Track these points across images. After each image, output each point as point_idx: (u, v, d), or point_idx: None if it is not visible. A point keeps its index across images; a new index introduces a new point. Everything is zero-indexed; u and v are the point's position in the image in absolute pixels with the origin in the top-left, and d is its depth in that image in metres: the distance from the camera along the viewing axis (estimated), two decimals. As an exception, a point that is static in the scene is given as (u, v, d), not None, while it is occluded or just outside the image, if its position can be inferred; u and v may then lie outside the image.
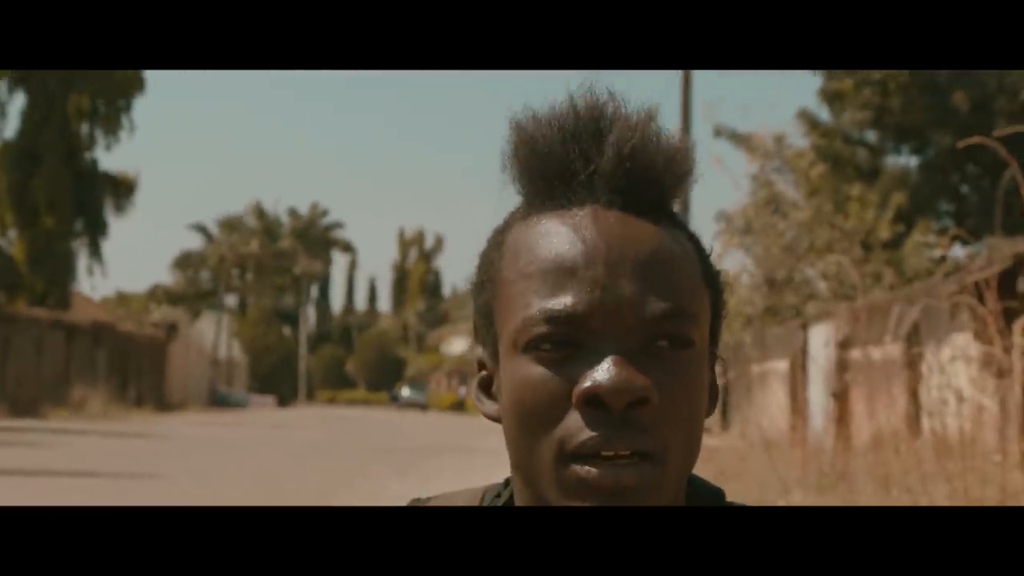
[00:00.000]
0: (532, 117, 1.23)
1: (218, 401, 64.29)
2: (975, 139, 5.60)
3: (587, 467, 1.13)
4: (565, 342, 1.16)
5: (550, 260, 1.17)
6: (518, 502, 1.25)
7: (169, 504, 12.63)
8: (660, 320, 1.15)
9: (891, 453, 7.47)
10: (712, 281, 1.23)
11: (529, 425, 1.17)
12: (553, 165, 1.21)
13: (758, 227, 27.39)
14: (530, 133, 1.22)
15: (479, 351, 1.28)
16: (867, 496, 7.82)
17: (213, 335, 72.64)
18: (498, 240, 1.25)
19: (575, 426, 1.14)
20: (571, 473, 1.14)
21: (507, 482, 1.33)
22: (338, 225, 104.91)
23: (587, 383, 1.13)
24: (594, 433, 1.13)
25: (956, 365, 8.07)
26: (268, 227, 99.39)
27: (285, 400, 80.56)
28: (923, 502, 6.31)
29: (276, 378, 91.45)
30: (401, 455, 24.00)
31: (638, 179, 1.19)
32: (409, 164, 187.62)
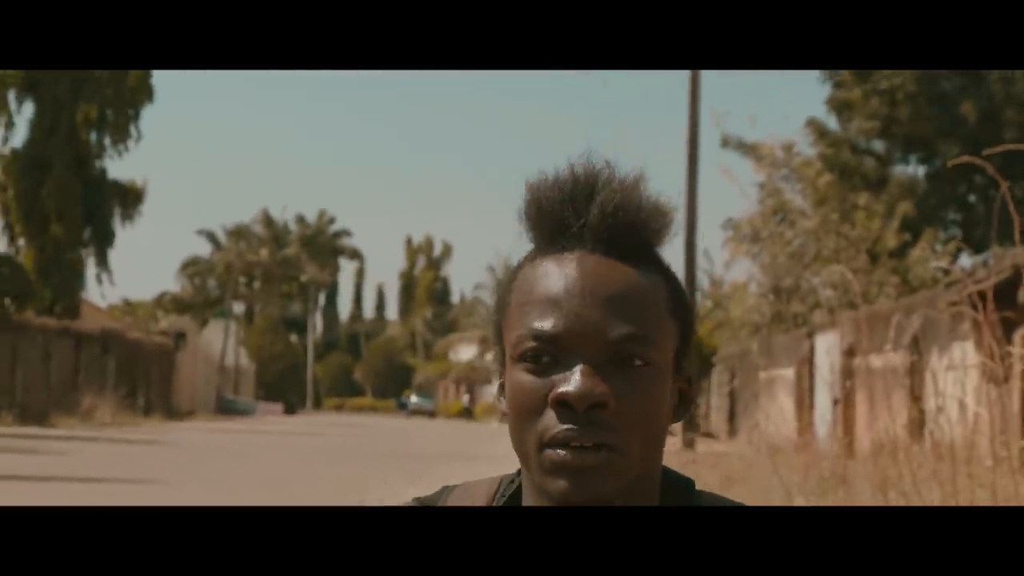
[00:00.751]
0: (541, 180, 1.55)
1: (226, 409, 64.44)
2: (966, 158, 5.72)
3: (559, 451, 1.46)
4: (546, 356, 1.49)
5: (542, 293, 1.51)
6: (524, 485, 1.58)
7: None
8: (623, 341, 1.48)
9: (890, 459, 7.60)
10: (681, 314, 1.54)
11: (520, 419, 1.50)
12: (554, 220, 1.54)
13: (765, 235, 27.49)
14: (537, 195, 1.55)
15: (496, 362, 1.61)
16: (864, 499, 7.95)
17: (220, 343, 72.82)
18: (511, 276, 1.59)
19: (551, 422, 1.47)
20: (547, 457, 1.47)
21: (520, 470, 1.61)
22: (345, 233, 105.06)
23: (559, 389, 1.47)
24: (564, 427, 1.46)
25: (957, 374, 8.17)
26: (275, 235, 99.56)
27: (292, 408, 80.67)
28: (916, 504, 6.44)
29: (283, 386, 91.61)
30: (411, 461, 24.11)
31: (619, 231, 1.52)
32: (417, 171, 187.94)
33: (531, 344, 1.49)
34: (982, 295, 6.94)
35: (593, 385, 1.45)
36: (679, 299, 1.54)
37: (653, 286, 1.52)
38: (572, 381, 1.46)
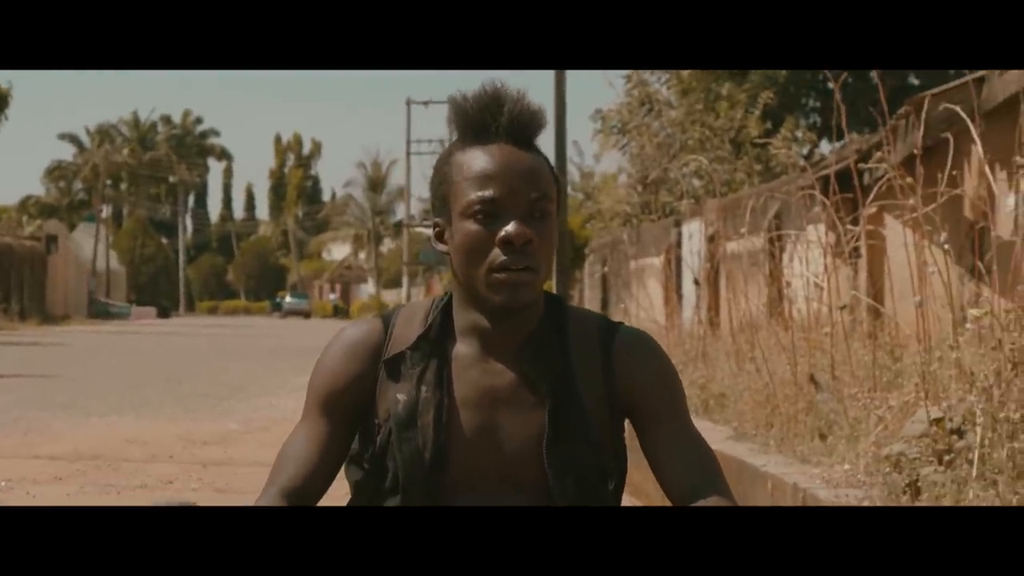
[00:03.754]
0: (463, 96, 2.28)
1: (99, 313, 63.97)
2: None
3: (503, 274, 2.21)
4: (489, 213, 2.21)
5: (479, 170, 2.24)
6: (456, 304, 2.30)
7: (86, 403, 13.15)
8: (536, 201, 2.23)
9: (748, 335, 8.26)
10: (557, 181, 2.30)
11: (470, 255, 2.23)
12: (477, 123, 2.26)
13: (632, 127, 27.92)
14: (463, 105, 2.27)
15: (434, 217, 2.31)
16: (722, 372, 8.66)
17: (91, 247, 72.04)
18: (447, 159, 2.30)
19: (497, 256, 2.21)
20: (494, 278, 2.21)
21: (447, 293, 2.35)
22: (213, 132, 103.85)
23: (503, 232, 2.20)
24: (506, 258, 2.20)
25: (812, 253, 8.79)
26: (141, 136, 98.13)
27: (166, 311, 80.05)
28: (764, 372, 7.12)
29: (156, 289, 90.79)
30: (293, 356, 24.56)
31: (520, 128, 2.26)
32: (284, 71, 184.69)
33: (478, 206, 2.21)
34: (827, 179, 7.60)
35: (525, 230, 2.20)
36: (554, 172, 2.31)
37: (543, 164, 2.28)
38: (512, 228, 2.19)
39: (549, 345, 2.28)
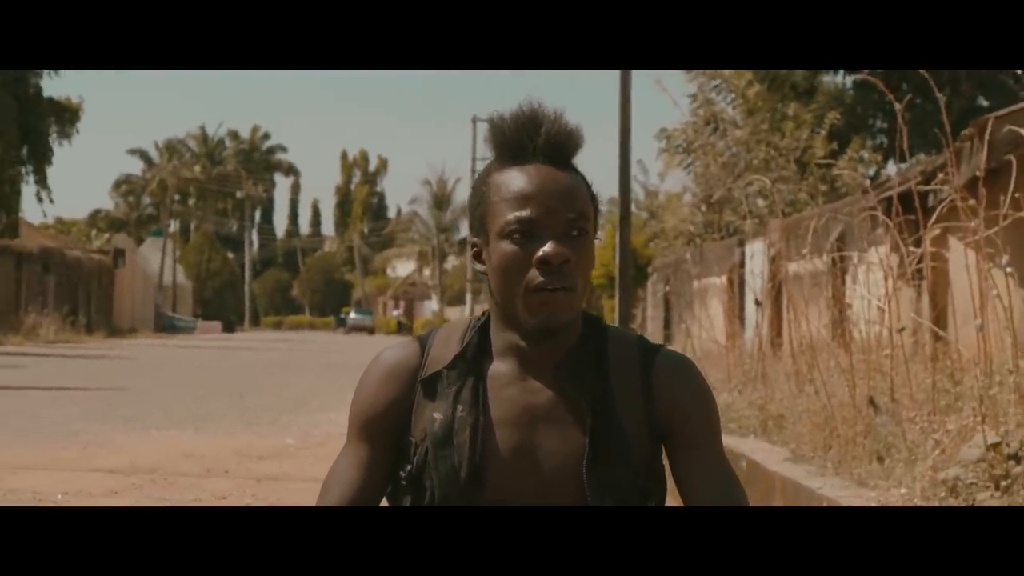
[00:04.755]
0: (501, 115, 2.28)
1: (166, 327, 64.48)
2: (865, 75, 6.22)
3: (541, 294, 2.21)
4: (526, 233, 2.21)
5: (516, 191, 2.24)
6: (493, 323, 2.30)
7: (159, 410, 13.26)
8: (573, 221, 2.23)
9: (809, 356, 8.17)
10: (594, 201, 2.29)
11: (507, 276, 2.23)
12: (514, 143, 2.26)
13: (697, 146, 27.85)
14: (501, 126, 2.28)
15: (472, 238, 2.31)
16: (781, 392, 8.58)
17: (157, 261, 72.71)
18: (484, 180, 2.31)
19: (534, 276, 2.21)
20: (534, 297, 2.22)
21: (484, 314, 2.34)
22: (280, 148, 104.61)
23: (541, 253, 2.20)
24: (543, 278, 2.20)
25: (874, 275, 8.70)
26: (209, 151, 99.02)
27: (231, 325, 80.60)
28: (823, 394, 7.05)
29: (221, 303, 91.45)
30: (355, 371, 24.50)
31: (557, 148, 2.26)
32: (352, 85, 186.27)
33: (515, 226, 2.21)
34: (891, 201, 7.52)
35: (562, 250, 2.19)
36: (592, 191, 2.30)
37: (580, 183, 2.28)
38: (549, 248, 2.19)
39: (587, 364, 2.27)
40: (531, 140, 2.25)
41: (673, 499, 2.24)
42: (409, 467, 2.28)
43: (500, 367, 2.28)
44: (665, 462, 2.31)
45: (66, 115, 45.35)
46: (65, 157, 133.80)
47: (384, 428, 2.30)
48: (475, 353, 2.29)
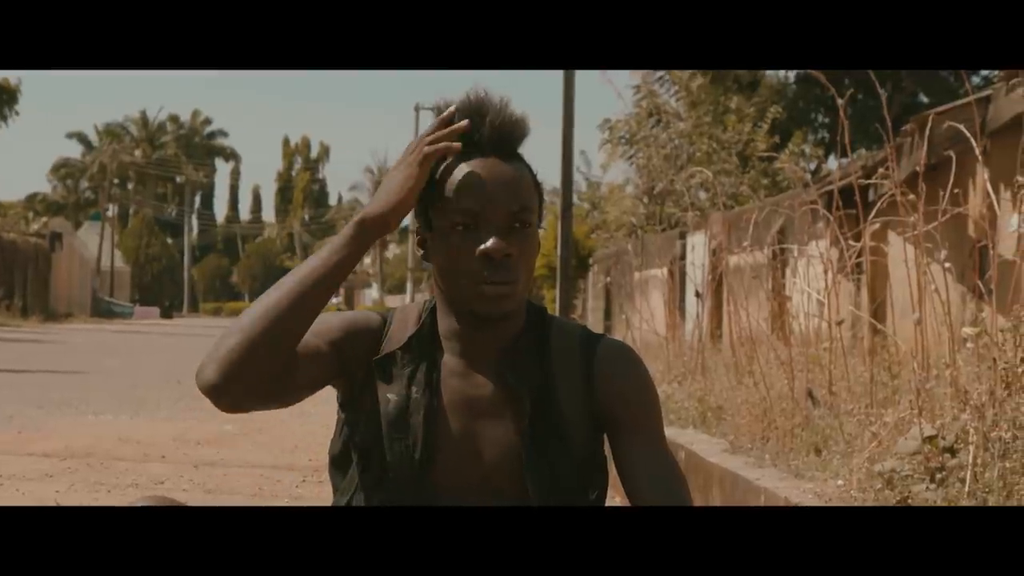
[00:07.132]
0: (446, 105, 2.26)
1: (103, 311, 64.00)
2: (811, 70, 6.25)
3: (488, 285, 2.21)
4: (469, 225, 2.22)
5: (461, 183, 2.23)
6: (439, 310, 2.31)
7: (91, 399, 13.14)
8: (516, 214, 2.23)
9: (749, 349, 8.21)
10: (538, 191, 2.30)
11: (452, 267, 2.24)
12: (460, 134, 2.24)
13: (640, 138, 27.93)
14: (446, 118, 2.25)
15: (416, 226, 2.30)
16: (721, 384, 8.61)
17: (95, 245, 72.10)
18: (432, 172, 2.26)
19: (477, 268, 2.21)
20: (480, 289, 2.22)
21: (431, 298, 2.35)
22: (221, 133, 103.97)
23: (483, 246, 2.20)
24: (486, 272, 2.20)
25: (814, 268, 8.75)
26: (150, 135, 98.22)
27: (168, 311, 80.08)
28: (762, 387, 7.08)
29: (160, 289, 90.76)
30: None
31: (502, 140, 2.25)
32: (295, 73, 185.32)
33: (458, 218, 2.22)
34: (831, 195, 7.56)
35: (504, 244, 2.20)
36: (536, 181, 2.30)
37: (525, 174, 2.28)
38: (491, 242, 2.20)
39: (530, 354, 2.29)
40: (476, 131, 2.24)
41: (615, 490, 2.25)
42: (356, 439, 2.30)
43: (447, 354, 2.30)
44: (609, 455, 2.31)
45: (3, 97, 44.88)
46: (2, 139, 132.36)
47: (339, 349, 2.28)
48: (428, 336, 2.32)
